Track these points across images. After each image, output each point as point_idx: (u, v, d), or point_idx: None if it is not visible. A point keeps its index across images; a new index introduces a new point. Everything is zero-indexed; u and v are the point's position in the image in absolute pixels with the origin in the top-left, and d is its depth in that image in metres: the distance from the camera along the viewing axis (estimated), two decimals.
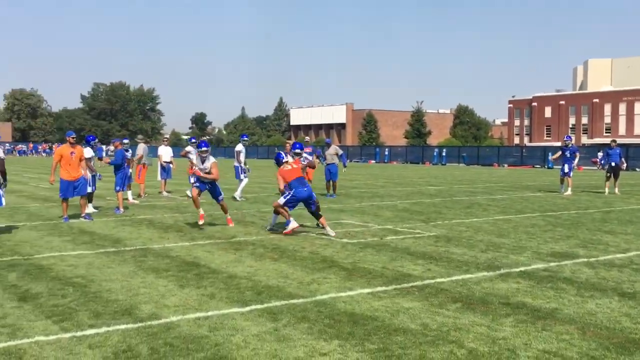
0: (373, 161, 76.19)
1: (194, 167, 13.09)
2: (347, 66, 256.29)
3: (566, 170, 22.16)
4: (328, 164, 21.13)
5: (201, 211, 12.75)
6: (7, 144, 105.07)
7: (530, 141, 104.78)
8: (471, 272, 8.53)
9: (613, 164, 23.06)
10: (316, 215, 12.26)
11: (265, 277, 8.15)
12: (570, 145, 22.82)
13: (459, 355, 5.19)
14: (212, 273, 8.41)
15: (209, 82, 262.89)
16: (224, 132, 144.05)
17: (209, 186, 12.90)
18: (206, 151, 12.78)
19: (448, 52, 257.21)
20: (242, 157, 19.84)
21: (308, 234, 12.08)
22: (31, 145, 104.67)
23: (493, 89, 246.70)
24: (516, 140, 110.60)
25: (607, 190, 22.80)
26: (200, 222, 12.61)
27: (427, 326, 6.01)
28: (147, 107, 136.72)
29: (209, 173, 12.66)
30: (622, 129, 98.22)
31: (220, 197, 13.06)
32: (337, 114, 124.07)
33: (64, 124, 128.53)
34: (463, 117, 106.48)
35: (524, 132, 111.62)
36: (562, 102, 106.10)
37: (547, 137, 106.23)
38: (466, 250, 10.25)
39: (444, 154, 69.88)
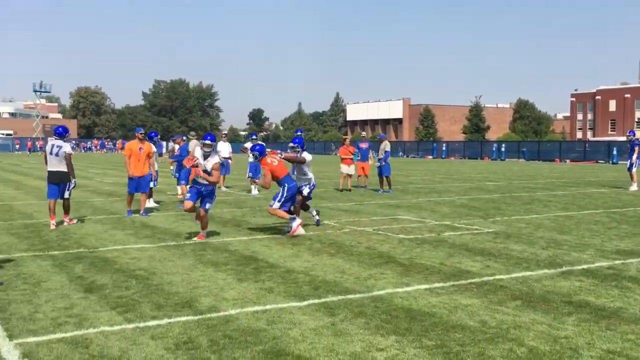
0: (430, 157, 75.40)
1: (195, 161, 10.80)
2: (404, 61, 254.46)
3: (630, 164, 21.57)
4: (379, 159, 21.10)
5: (202, 232, 10.99)
6: (73, 141, 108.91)
7: (594, 136, 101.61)
8: (531, 270, 8.36)
9: None
10: (304, 205, 12.40)
11: (322, 272, 8.19)
12: (632, 139, 22.20)
13: (518, 354, 5.09)
14: (270, 267, 8.51)
15: (266, 78, 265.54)
16: (281, 127, 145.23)
17: (204, 190, 10.84)
18: (211, 146, 10.90)
19: (507, 45, 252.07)
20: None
21: (364, 229, 12.07)
22: (96, 142, 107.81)
23: (554, 83, 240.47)
24: (579, 135, 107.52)
25: None
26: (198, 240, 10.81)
27: (485, 323, 5.92)
28: (206, 104, 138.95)
29: (209, 174, 10.69)
30: None
31: (207, 206, 10.88)
32: (393, 109, 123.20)
33: (126, 120, 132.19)
34: (523, 112, 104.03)
35: (587, 127, 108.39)
36: (628, 96, 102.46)
37: (611, 131, 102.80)
38: (526, 247, 10.04)
39: (502, 149, 68.52)
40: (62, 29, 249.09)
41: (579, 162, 58.07)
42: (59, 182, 12.24)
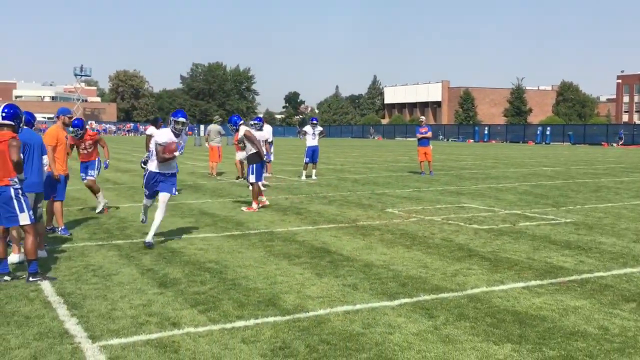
0: (472, 140, 74.08)
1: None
2: (443, 43, 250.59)
3: None
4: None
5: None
6: (112, 124, 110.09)
7: None
8: (631, 266, 7.71)
9: None
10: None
11: (404, 267, 7.68)
12: None
13: None
14: (346, 261, 8.02)
15: (304, 61, 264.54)
16: (317, 110, 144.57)
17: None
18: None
19: (549, 26, 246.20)
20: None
21: (432, 218, 11.50)
22: (129, 125, 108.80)
23: (599, 64, 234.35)
24: (625, 118, 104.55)
25: None
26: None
27: (607, 330, 5.34)
28: (243, 87, 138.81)
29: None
30: None
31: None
32: (432, 92, 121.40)
33: (164, 104, 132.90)
34: (567, 94, 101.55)
35: (634, 109, 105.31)
36: None
37: None
38: (615, 240, 9.36)
39: (547, 132, 66.95)
40: (101, 12, 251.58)
41: (627, 147, 56.30)
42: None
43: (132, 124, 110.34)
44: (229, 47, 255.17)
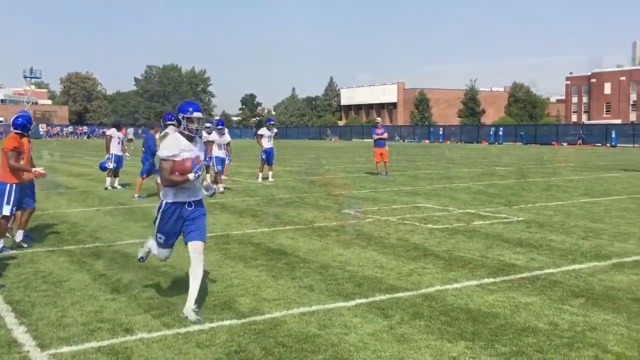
0: (427, 141, 74.97)
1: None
2: (398, 45, 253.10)
3: None
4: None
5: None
6: (64, 127, 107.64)
7: (589, 119, 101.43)
8: (579, 262, 7.90)
9: None
10: None
11: (359, 267, 7.70)
12: None
13: None
14: (302, 262, 8.01)
15: (259, 63, 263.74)
16: (273, 112, 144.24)
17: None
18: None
19: (501, 29, 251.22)
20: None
21: (388, 218, 11.58)
22: (80, 128, 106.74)
23: (549, 66, 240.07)
24: (574, 118, 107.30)
25: None
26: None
27: (557, 325, 5.45)
28: (199, 89, 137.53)
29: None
30: None
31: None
32: (388, 94, 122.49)
33: (118, 106, 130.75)
34: (518, 95, 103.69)
35: (582, 110, 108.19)
36: (623, 78, 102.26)
37: (606, 114, 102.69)
38: (565, 237, 9.58)
39: (500, 132, 68.20)
40: (52, 13, 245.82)
41: (576, 146, 57.74)
42: None
43: (86, 127, 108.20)
44: (184, 49, 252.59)
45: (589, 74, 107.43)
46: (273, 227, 10.81)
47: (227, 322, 5.58)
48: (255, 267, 7.74)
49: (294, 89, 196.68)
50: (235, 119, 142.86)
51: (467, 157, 36.43)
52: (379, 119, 27.68)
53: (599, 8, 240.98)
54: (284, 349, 4.93)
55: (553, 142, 62.53)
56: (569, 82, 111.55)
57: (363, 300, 6.26)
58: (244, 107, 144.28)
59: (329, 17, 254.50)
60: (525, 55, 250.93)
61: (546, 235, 9.80)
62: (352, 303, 6.18)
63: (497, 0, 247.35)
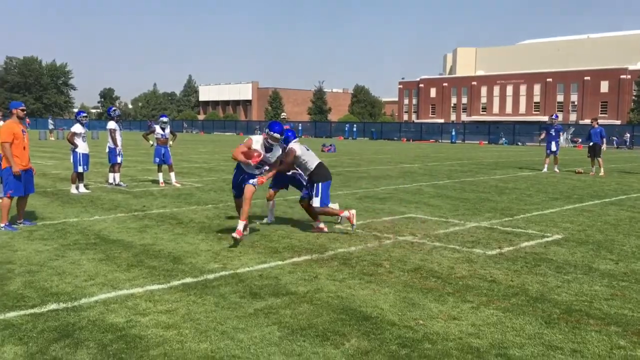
0: None
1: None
2: (253, 45, 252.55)
3: (553, 148, 20.89)
4: None
5: None
6: None
7: (418, 118, 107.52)
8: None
9: (591, 143, 20.43)
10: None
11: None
12: (556, 124, 21.42)
13: None
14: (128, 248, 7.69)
15: (121, 59, 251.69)
16: (130, 106, 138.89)
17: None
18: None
19: (345, 35, 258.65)
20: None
21: (406, 238, 11.11)
22: None
23: (385, 71, 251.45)
24: (405, 117, 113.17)
25: (595, 169, 20.24)
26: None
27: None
28: (60, 82, 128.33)
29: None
30: (495, 108, 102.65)
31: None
32: (243, 92, 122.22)
33: None
34: (360, 96, 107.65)
35: (412, 110, 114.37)
36: (445, 84, 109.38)
37: (432, 114, 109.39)
38: None
39: (355, 129, 70.25)
40: None
41: (417, 142, 60.56)
42: None
43: None
44: (44, 41, 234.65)
45: (418, 79, 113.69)
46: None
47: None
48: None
49: (155, 84, 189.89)
50: (94, 111, 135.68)
51: (355, 153, 33.72)
52: (284, 114, 24.69)
53: (415, 25, 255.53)
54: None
55: (394, 138, 65.41)
56: (401, 86, 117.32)
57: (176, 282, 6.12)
58: (102, 99, 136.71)
59: (188, 15, 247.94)
60: (364, 62, 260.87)
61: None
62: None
63: (335, 19, 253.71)
